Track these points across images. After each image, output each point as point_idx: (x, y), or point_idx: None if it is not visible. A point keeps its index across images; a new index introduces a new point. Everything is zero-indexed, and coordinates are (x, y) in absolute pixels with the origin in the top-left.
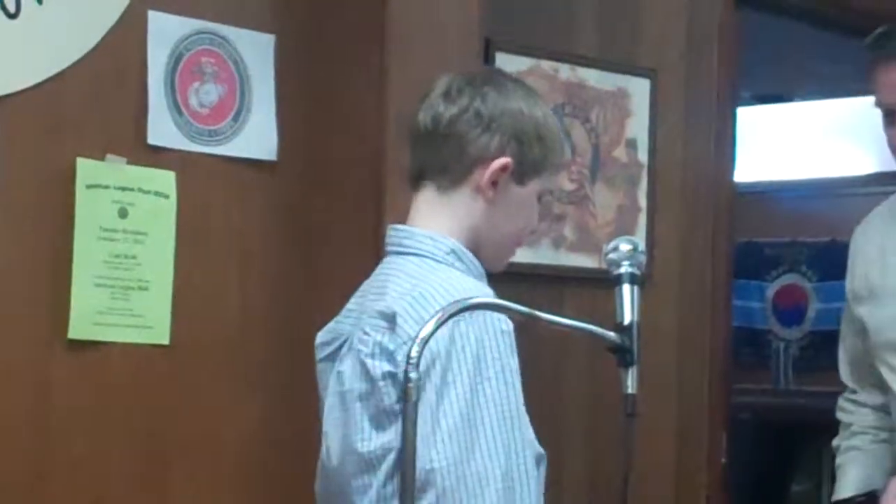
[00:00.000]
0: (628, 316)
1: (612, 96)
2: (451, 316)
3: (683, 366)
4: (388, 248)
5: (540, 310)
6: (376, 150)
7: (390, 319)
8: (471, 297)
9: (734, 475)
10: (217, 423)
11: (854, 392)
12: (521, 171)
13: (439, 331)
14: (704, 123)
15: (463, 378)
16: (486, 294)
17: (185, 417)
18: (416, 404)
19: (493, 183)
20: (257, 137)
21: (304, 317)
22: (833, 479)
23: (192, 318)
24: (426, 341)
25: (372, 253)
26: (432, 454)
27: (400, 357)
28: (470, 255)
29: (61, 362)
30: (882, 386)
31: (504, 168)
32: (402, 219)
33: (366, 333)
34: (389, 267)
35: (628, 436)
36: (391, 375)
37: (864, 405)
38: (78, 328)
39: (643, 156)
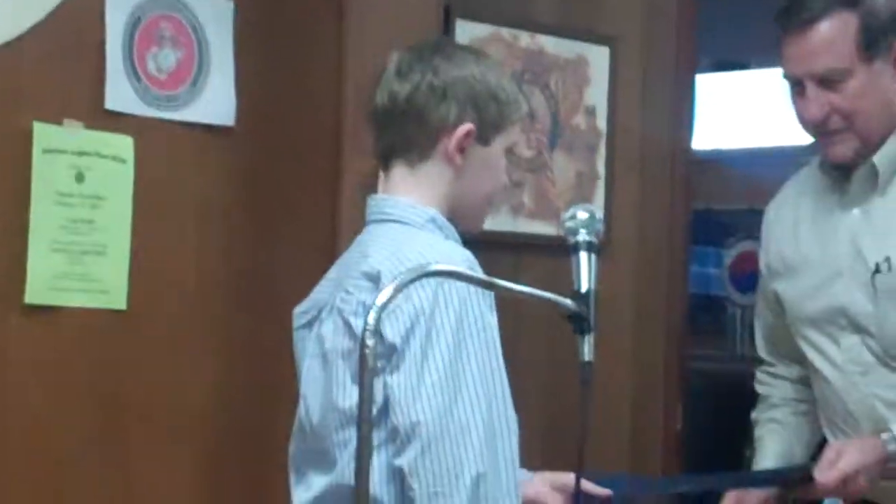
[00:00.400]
0: (585, 284)
1: (571, 64)
2: (408, 282)
3: (640, 333)
4: (370, 217)
5: (498, 277)
6: (334, 116)
7: (374, 279)
8: (431, 264)
9: (690, 441)
10: (174, 387)
11: (772, 365)
12: (484, 133)
13: (423, 291)
14: (663, 91)
15: (447, 335)
16: (466, 258)
17: (143, 381)
18: (373, 370)
19: (461, 150)
20: (215, 103)
21: (261, 281)
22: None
23: (150, 282)
24: (383, 308)
25: (328, 217)
26: (417, 407)
27: (382, 314)
28: (448, 223)
29: (18, 327)
30: (800, 360)
31: (468, 134)
32: (359, 187)
33: (348, 293)
34: (370, 234)
35: (584, 403)
36: (374, 333)
37: (782, 378)
38: (34, 293)
39: (602, 123)
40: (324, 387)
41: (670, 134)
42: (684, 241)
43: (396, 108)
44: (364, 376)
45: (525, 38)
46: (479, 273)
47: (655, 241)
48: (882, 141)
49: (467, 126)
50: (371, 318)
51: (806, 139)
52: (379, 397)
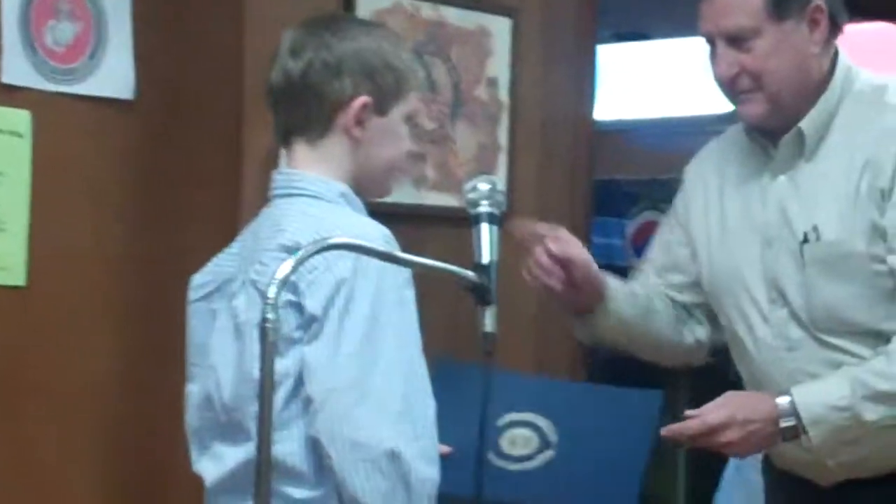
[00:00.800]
0: (486, 255)
1: (472, 35)
2: (309, 255)
3: (543, 303)
4: (277, 192)
5: (402, 249)
6: (235, 88)
7: (293, 252)
8: (335, 236)
9: None
10: (73, 364)
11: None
12: (382, 104)
13: (343, 263)
14: (564, 62)
15: (364, 307)
16: (384, 234)
17: (41, 359)
18: (274, 344)
19: (359, 122)
20: (114, 75)
21: (162, 256)
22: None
23: (49, 258)
24: (285, 281)
25: (231, 191)
26: (333, 376)
27: (302, 286)
28: (356, 198)
29: None
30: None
31: (364, 106)
32: (263, 158)
33: (263, 265)
34: (280, 208)
35: (487, 374)
36: (292, 304)
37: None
38: None
39: (504, 94)
40: (237, 359)
41: (572, 105)
42: (586, 211)
43: (292, 87)
44: (267, 348)
45: (427, 10)
46: (396, 249)
47: (557, 212)
48: (795, 103)
49: (363, 99)
50: (272, 292)
51: (709, 108)
52: (296, 368)
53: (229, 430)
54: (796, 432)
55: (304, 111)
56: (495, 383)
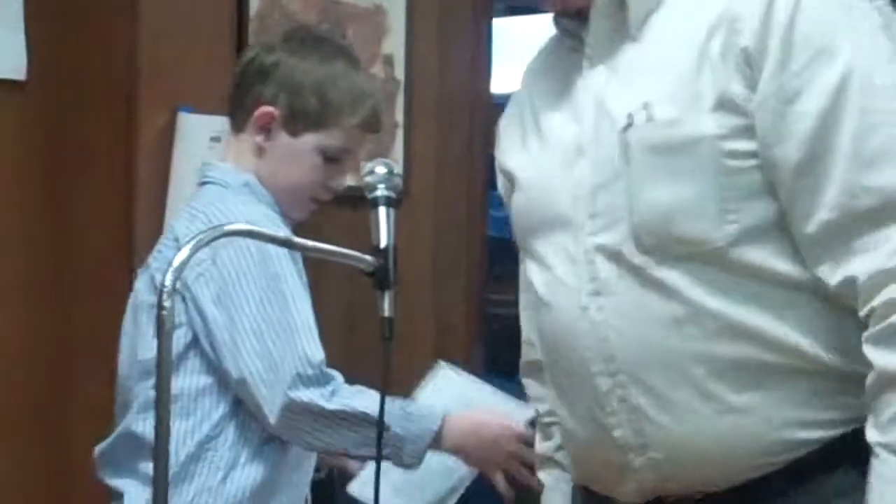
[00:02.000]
0: (384, 239)
1: (367, 13)
2: (207, 243)
3: (440, 282)
4: (199, 180)
5: (298, 233)
6: (130, 70)
7: (177, 240)
8: (232, 223)
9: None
10: None
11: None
12: (293, 123)
13: (226, 253)
14: (460, 37)
15: (251, 287)
16: (269, 218)
17: None
18: (170, 332)
19: (264, 131)
20: (5, 56)
21: (56, 240)
22: None
23: None
24: (182, 268)
25: (123, 173)
26: (241, 366)
27: (185, 273)
28: (263, 190)
29: None
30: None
31: (269, 116)
32: (155, 140)
33: (159, 251)
34: (194, 196)
35: (386, 359)
36: (176, 292)
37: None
38: None
39: (399, 72)
40: (132, 340)
41: (468, 80)
42: (483, 186)
43: (239, 73)
44: (162, 336)
45: None
46: (282, 232)
47: (454, 188)
48: None
49: (269, 108)
50: (168, 279)
51: None
52: (176, 351)
53: (125, 408)
54: None
55: (234, 100)
56: None
